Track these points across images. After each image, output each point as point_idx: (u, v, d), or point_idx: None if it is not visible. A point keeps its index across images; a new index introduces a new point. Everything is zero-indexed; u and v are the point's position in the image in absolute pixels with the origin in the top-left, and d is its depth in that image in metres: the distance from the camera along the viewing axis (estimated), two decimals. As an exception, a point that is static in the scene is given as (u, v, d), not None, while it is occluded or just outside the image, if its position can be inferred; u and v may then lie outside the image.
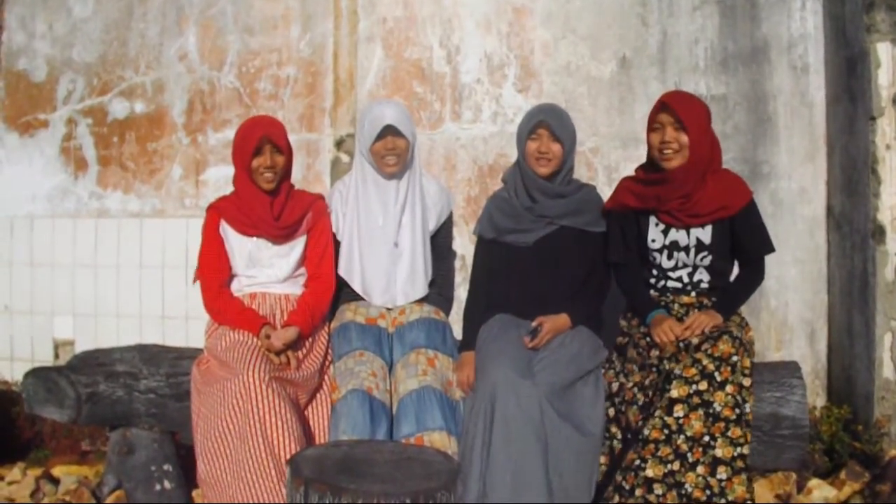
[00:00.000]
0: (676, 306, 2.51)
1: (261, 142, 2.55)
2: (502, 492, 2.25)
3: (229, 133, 3.68)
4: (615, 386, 2.48)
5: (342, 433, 2.33)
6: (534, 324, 2.52)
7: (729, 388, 2.20)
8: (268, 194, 2.60)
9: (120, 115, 3.97)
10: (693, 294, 2.52)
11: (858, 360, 3.25)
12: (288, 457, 2.19)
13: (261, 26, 3.85)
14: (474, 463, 2.31)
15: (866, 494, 2.95)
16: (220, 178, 3.77)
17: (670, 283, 2.54)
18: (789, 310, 3.51)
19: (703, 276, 2.51)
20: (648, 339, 2.43)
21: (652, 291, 2.58)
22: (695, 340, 2.31)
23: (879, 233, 3.14)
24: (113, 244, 3.92)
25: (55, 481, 3.19)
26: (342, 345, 2.58)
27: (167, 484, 2.79)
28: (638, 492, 2.18)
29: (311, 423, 2.55)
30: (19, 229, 4.02)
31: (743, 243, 2.48)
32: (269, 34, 3.84)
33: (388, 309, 2.70)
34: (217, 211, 2.64)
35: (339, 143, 3.77)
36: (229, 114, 3.85)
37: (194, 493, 2.88)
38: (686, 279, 2.53)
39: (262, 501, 2.24)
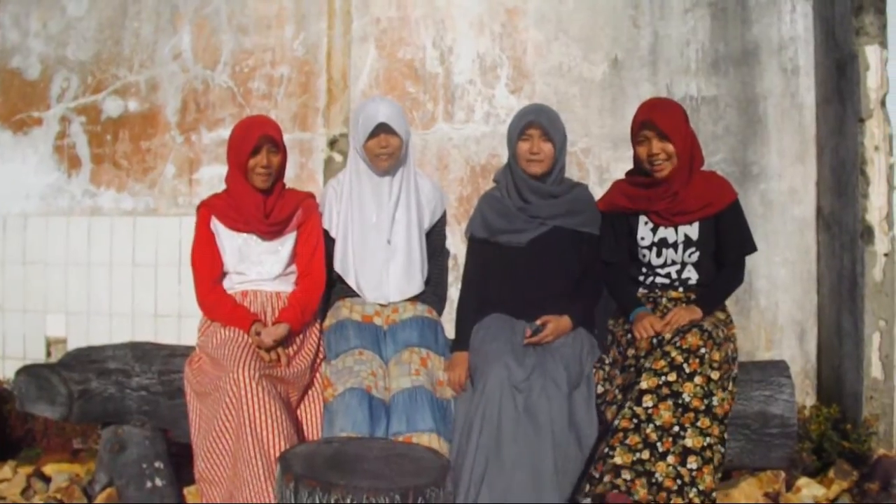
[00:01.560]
0: (665, 300, 2.54)
1: (259, 141, 2.55)
2: (521, 493, 2.24)
3: (223, 132, 3.70)
4: (600, 388, 2.49)
5: (339, 430, 2.32)
6: (538, 322, 2.52)
7: (698, 380, 2.22)
8: (260, 193, 2.61)
9: (114, 114, 3.97)
10: (681, 290, 2.55)
11: (847, 359, 3.28)
12: (277, 454, 2.20)
13: (255, 26, 3.86)
14: (467, 464, 2.30)
15: (855, 493, 2.97)
16: (214, 177, 3.77)
17: (658, 280, 2.57)
18: (779, 310, 3.53)
19: (690, 274, 2.54)
20: (629, 335, 2.45)
21: (640, 288, 2.60)
22: (668, 335, 2.33)
23: (868, 233, 3.17)
24: (106, 242, 3.93)
25: (46, 479, 3.19)
26: (339, 342, 2.58)
27: (158, 481, 2.79)
28: (606, 478, 2.19)
29: (302, 421, 2.55)
30: (12, 227, 4.01)
31: (726, 241, 2.52)
32: (263, 34, 3.86)
33: (383, 306, 2.70)
34: (208, 208, 2.64)
35: (332, 143, 3.78)
36: (223, 113, 3.86)
37: (185, 491, 2.88)
38: (674, 275, 2.55)
39: (251, 499, 2.24)
